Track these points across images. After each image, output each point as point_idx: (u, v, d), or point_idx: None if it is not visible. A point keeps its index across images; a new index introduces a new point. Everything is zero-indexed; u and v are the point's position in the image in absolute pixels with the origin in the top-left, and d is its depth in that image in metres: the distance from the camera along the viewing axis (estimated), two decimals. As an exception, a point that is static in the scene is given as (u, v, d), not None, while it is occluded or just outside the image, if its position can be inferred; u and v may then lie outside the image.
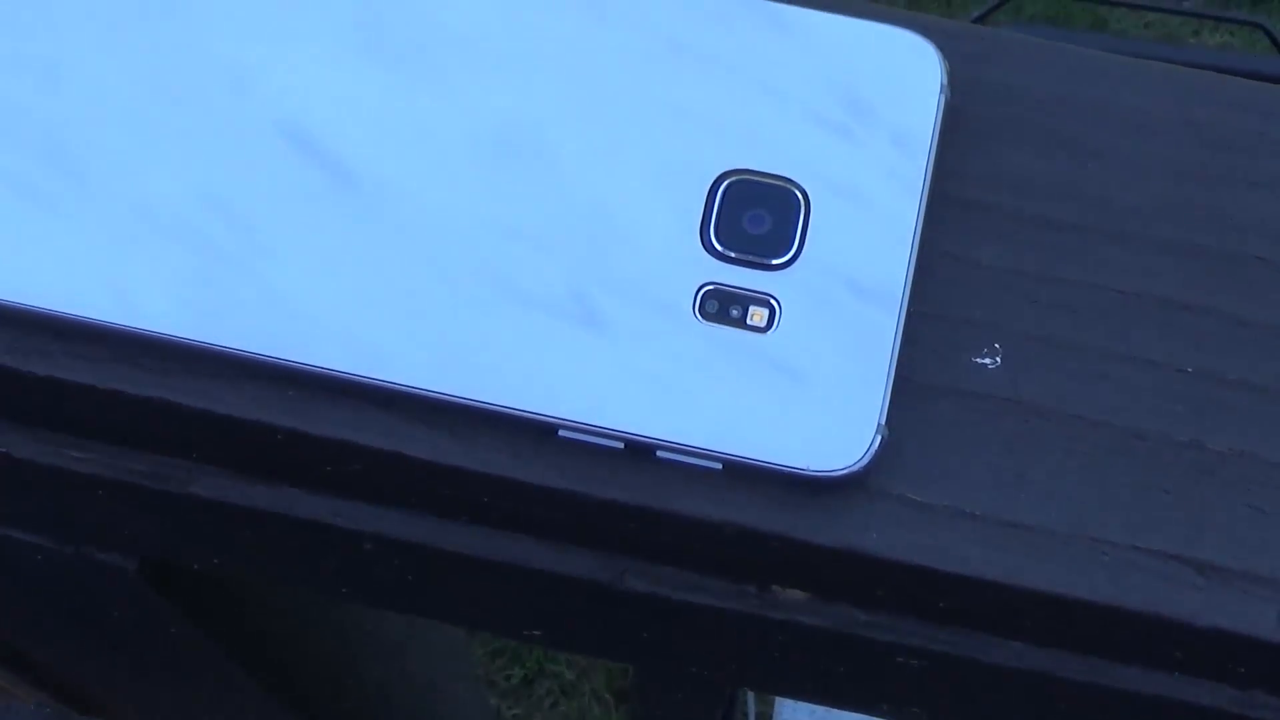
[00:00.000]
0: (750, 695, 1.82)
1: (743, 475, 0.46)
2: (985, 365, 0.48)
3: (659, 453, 0.46)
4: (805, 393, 0.47)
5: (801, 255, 0.48)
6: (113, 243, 0.48)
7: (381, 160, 0.49)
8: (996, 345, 0.48)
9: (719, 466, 0.46)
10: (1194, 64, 0.53)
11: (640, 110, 0.49)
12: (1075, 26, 2.04)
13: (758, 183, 0.49)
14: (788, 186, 0.49)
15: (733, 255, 0.48)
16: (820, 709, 1.49)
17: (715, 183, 0.49)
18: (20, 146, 0.49)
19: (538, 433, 0.47)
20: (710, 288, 0.48)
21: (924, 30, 0.50)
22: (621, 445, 0.46)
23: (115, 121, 0.49)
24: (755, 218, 0.48)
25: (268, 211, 0.48)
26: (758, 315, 0.47)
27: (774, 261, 0.48)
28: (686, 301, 0.48)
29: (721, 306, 0.47)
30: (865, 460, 0.46)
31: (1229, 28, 2.11)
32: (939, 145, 0.49)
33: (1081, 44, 0.53)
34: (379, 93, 0.49)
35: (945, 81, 0.49)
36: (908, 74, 0.49)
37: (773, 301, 0.48)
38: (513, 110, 0.49)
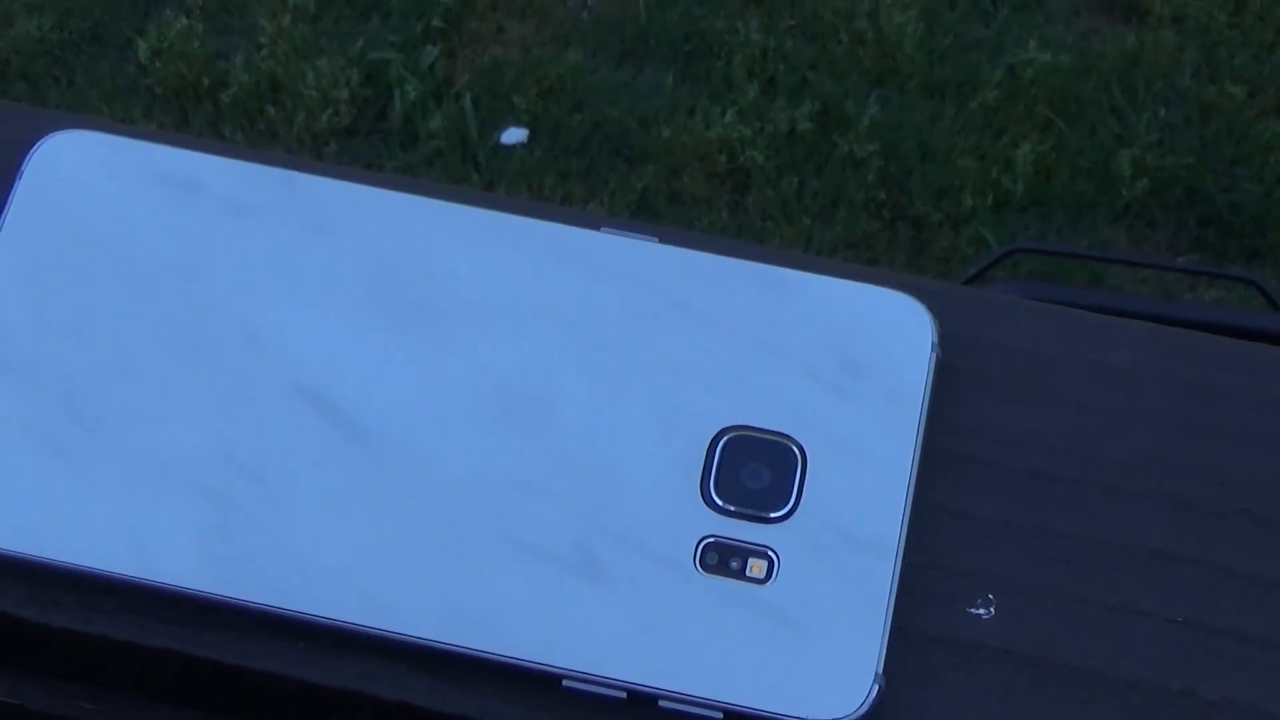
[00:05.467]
0: None
1: (744, 724, 0.47)
2: (980, 615, 0.49)
3: (661, 702, 0.47)
4: (804, 643, 0.48)
5: (799, 508, 0.49)
6: (130, 497, 0.49)
7: (393, 417, 0.50)
8: (991, 596, 0.49)
9: (720, 716, 0.47)
10: (1187, 320, 0.55)
11: (641, 367, 0.51)
12: (1070, 282, 2.08)
13: (756, 438, 0.50)
14: (785, 442, 0.50)
15: (732, 509, 0.49)
16: None
17: (715, 438, 0.50)
18: (42, 400, 0.50)
19: (542, 683, 0.48)
20: (710, 540, 0.49)
21: (915, 292, 0.52)
22: (624, 695, 0.47)
23: (135, 378, 0.51)
24: (754, 472, 0.50)
25: (282, 467, 0.50)
26: (757, 567, 0.49)
27: (772, 515, 0.49)
28: (687, 554, 0.49)
29: (721, 559, 0.49)
30: (863, 709, 0.47)
31: (1224, 282, 2.15)
32: (931, 401, 0.51)
33: (1076, 299, 0.55)
34: (389, 352, 0.51)
35: (936, 341, 0.51)
36: (900, 334, 0.51)
37: (771, 554, 0.49)
38: (518, 367, 0.51)
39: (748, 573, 0.49)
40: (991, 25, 2.33)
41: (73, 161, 0.53)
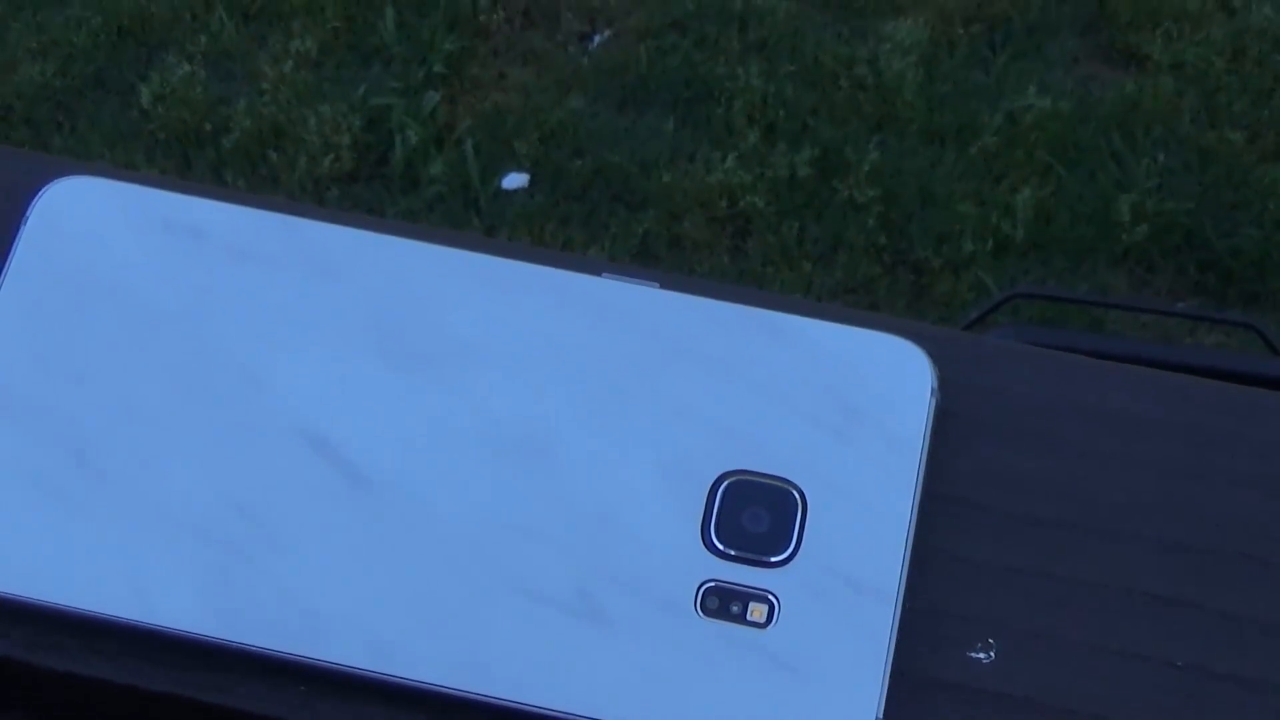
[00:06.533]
0: None
1: (744, 769, 0.47)
2: (980, 659, 0.49)
3: (662, 746, 0.47)
4: (804, 686, 0.48)
5: (799, 553, 0.50)
6: (132, 541, 0.50)
7: (395, 462, 0.51)
8: (990, 640, 0.49)
9: (721, 760, 0.47)
10: (1187, 365, 0.55)
11: (642, 412, 0.51)
12: (1070, 327, 2.08)
13: (756, 483, 0.50)
14: (785, 486, 0.50)
15: (733, 553, 0.50)
16: None
17: (715, 482, 0.50)
18: (46, 445, 0.51)
19: (543, 727, 0.48)
20: (711, 585, 0.49)
21: (915, 337, 0.52)
22: (625, 739, 0.47)
23: (140, 423, 0.51)
24: (754, 516, 0.50)
25: (284, 511, 0.50)
26: (757, 611, 0.49)
27: (773, 559, 0.50)
28: (688, 598, 0.49)
29: (722, 603, 0.49)
30: (864, 754, 0.47)
31: (1224, 327, 2.15)
32: (930, 446, 0.51)
33: (1076, 344, 0.56)
34: (393, 396, 0.51)
35: (935, 386, 0.51)
36: (899, 379, 0.52)
37: (772, 598, 0.49)
38: (521, 412, 0.51)
39: (748, 617, 0.49)
40: (991, 72, 2.34)
41: (77, 207, 0.54)
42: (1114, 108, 2.30)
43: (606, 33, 2.38)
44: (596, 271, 0.53)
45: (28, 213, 0.54)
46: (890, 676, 0.48)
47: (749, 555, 0.50)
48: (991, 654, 0.49)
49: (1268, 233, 2.23)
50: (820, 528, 0.50)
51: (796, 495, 0.50)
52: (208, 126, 2.29)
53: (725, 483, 0.50)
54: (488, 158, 2.28)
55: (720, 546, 0.50)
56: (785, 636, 0.48)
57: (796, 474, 0.50)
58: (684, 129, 2.29)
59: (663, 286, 0.53)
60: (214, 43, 2.36)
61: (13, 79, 2.34)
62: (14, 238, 0.53)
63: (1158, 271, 2.22)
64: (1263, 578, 0.50)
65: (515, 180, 2.27)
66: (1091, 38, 2.38)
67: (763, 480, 0.50)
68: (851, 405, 0.51)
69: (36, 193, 0.54)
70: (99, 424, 0.51)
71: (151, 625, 0.49)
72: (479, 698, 0.48)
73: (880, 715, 0.47)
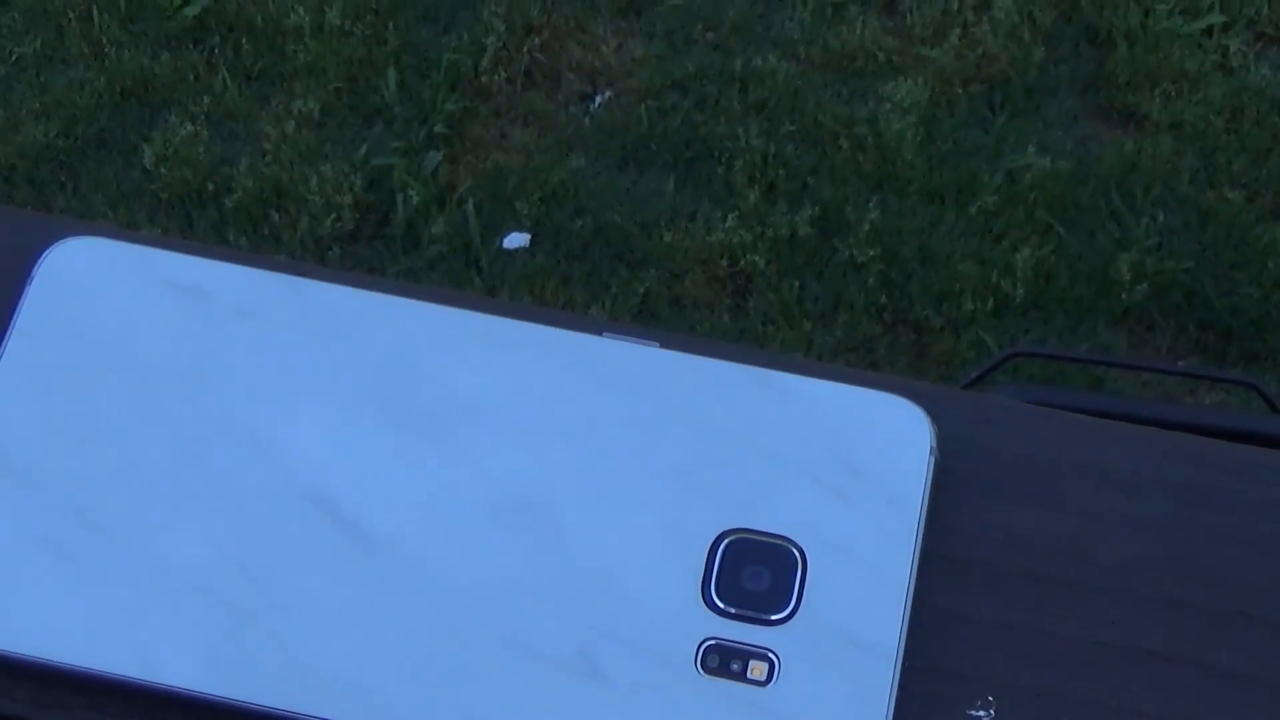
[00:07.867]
0: None
1: (745, 828, 0.47)
2: (980, 717, 0.49)
3: (663, 805, 0.47)
4: (805, 745, 0.48)
5: (800, 611, 0.50)
6: (137, 600, 0.50)
7: (397, 522, 0.51)
8: (990, 698, 0.49)
9: (721, 819, 0.47)
10: (1187, 423, 0.55)
11: (643, 471, 0.51)
12: (1071, 385, 2.08)
13: (756, 541, 0.50)
14: (785, 545, 0.50)
15: (733, 611, 0.50)
16: None
17: (716, 541, 0.51)
18: (51, 505, 0.51)
19: (544, 786, 0.48)
20: (711, 643, 0.49)
21: (915, 396, 0.53)
22: (626, 798, 0.47)
23: (144, 484, 0.51)
24: (754, 575, 0.50)
25: (287, 571, 0.50)
26: (758, 669, 0.49)
27: (773, 617, 0.50)
28: (688, 656, 0.49)
29: (722, 661, 0.49)
30: (865, 813, 0.47)
31: (1224, 385, 2.15)
32: (930, 504, 0.51)
33: (1076, 403, 0.56)
34: (396, 457, 0.52)
35: (934, 444, 0.52)
36: (899, 437, 0.52)
37: (772, 656, 0.49)
38: (521, 472, 0.51)
39: (748, 675, 0.49)
40: (990, 131, 2.35)
41: (81, 268, 0.54)
42: (1113, 167, 2.31)
43: (607, 93, 2.40)
44: (597, 331, 0.54)
45: (32, 273, 0.54)
46: (891, 735, 0.48)
47: (749, 613, 0.50)
48: (991, 712, 0.49)
49: (1267, 291, 2.23)
50: (820, 586, 0.50)
51: (796, 553, 0.50)
52: (210, 186, 2.30)
53: (725, 541, 0.51)
54: (489, 217, 2.28)
55: (720, 605, 0.50)
56: (786, 694, 0.48)
57: (796, 532, 0.51)
58: (685, 189, 2.30)
59: (663, 346, 0.53)
60: (216, 103, 2.37)
61: (16, 139, 2.34)
62: (18, 298, 0.54)
63: (1157, 330, 2.22)
64: (1263, 635, 0.50)
65: (516, 240, 2.28)
66: (1090, 97, 2.40)
67: (763, 539, 0.51)
68: (851, 464, 0.51)
69: (40, 253, 0.54)
70: (103, 484, 0.51)
71: (155, 684, 0.49)
72: (480, 756, 0.48)
73: (881, 774, 0.47)
